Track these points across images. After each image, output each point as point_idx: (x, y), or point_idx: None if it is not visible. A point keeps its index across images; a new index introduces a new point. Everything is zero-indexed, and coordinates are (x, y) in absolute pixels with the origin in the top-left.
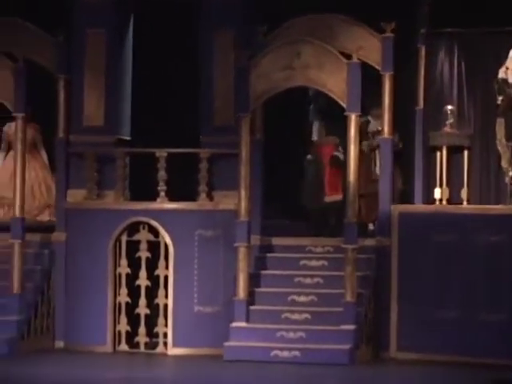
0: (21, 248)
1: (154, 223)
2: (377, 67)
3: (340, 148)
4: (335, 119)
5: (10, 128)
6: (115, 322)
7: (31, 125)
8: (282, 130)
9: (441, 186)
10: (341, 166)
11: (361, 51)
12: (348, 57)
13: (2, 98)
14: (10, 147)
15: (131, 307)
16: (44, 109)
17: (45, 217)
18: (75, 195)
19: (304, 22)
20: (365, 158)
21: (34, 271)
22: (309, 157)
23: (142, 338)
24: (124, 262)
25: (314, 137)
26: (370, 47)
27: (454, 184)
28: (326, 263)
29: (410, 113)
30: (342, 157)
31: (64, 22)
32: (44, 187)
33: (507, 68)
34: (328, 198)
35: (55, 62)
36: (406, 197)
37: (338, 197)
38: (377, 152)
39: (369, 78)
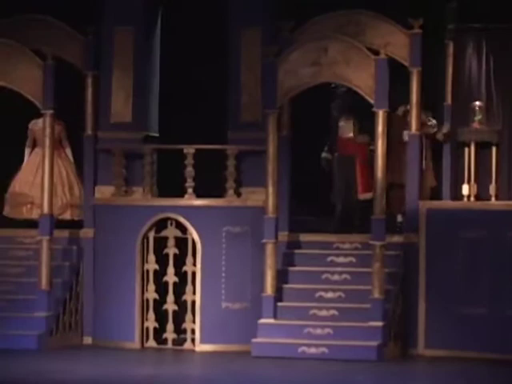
0: (49, 244)
1: (182, 219)
2: (404, 63)
3: (373, 144)
4: (365, 117)
5: (36, 125)
6: (143, 318)
7: (57, 122)
8: (310, 126)
9: (469, 182)
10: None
11: (388, 47)
12: (376, 53)
13: (30, 95)
14: (34, 144)
15: (159, 303)
16: (72, 106)
17: (66, 216)
18: (103, 191)
19: (331, 17)
20: (404, 148)
21: (63, 267)
22: (324, 154)
23: (169, 334)
24: (152, 258)
25: (343, 134)
26: (398, 43)
27: (482, 180)
28: (353, 260)
29: (438, 109)
30: None
31: (92, 20)
32: (67, 187)
33: None
34: (361, 196)
35: (83, 59)
36: (436, 193)
37: (370, 195)
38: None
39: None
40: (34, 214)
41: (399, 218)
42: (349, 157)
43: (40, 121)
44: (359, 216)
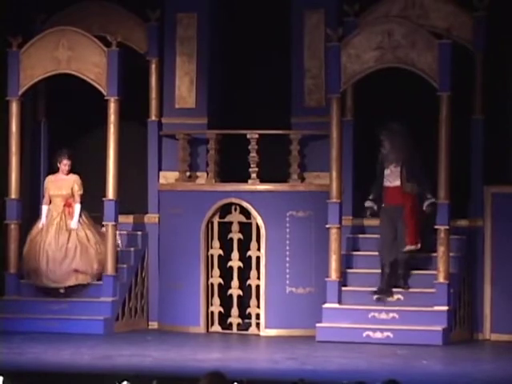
0: (114, 230)
1: (246, 205)
2: (469, 46)
3: (428, 195)
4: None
5: (49, 181)
6: (208, 303)
7: (71, 177)
8: (375, 110)
9: None
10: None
11: (452, 30)
12: (439, 35)
13: (95, 82)
14: (50, 201)
15: (224, 288)
16: (136, 92)
17: (71, 282)
18: (167, 177)
19: (395, 0)
20: None
21: (128, 253)
22: (369, 204)
23: (234, 319)
24: (216, 243)
25: (389, 182)
26: (462, 26)
27: None
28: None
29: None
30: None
31: (156, 6)
32: (79, 250)
33: None
34: (407, 248)
35: (147, 45)
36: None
37: (417, 246)
38: None
39: None
40: (46, 283)
41: None
42: (396, 207)
43: (53, 177)
44: (405, 268)
